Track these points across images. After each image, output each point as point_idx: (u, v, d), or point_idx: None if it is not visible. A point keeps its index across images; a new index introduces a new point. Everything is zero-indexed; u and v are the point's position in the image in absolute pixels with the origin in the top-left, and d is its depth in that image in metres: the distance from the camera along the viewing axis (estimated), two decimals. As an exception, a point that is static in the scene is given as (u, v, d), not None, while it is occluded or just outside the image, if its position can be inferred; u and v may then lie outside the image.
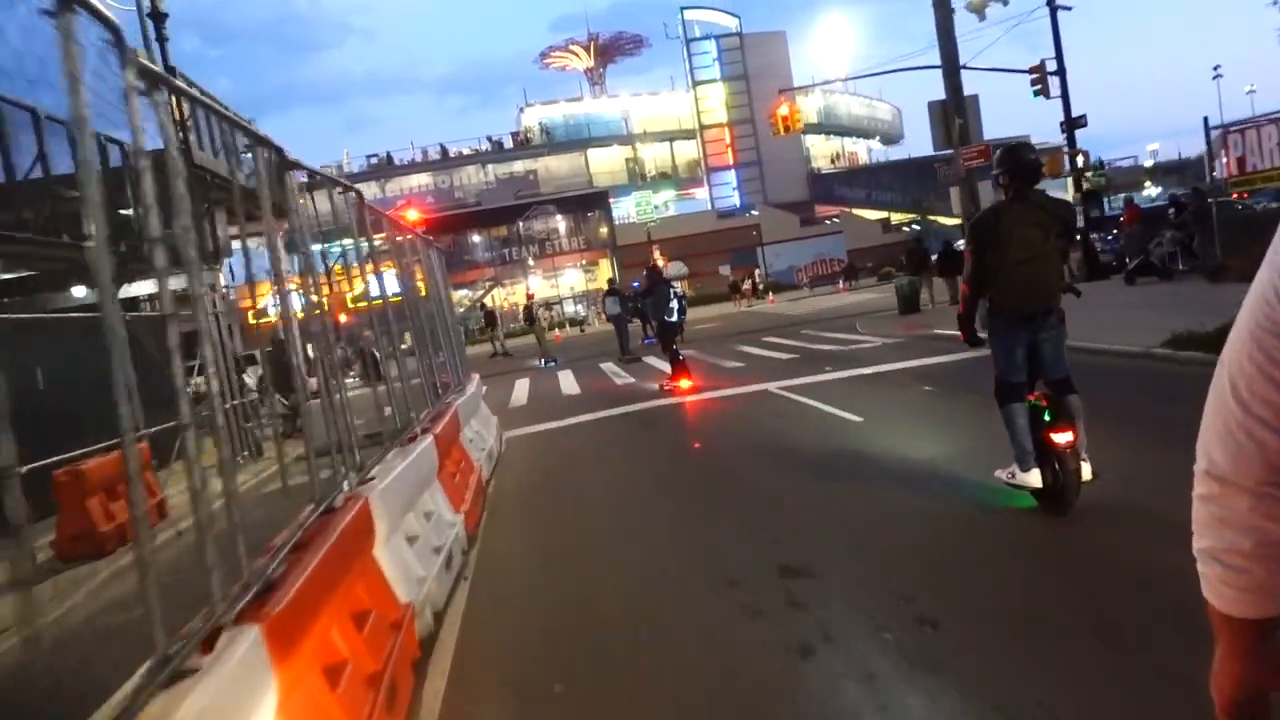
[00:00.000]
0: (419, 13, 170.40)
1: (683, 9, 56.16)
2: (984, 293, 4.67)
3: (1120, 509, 4.47)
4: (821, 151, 65.80)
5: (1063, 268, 4.91)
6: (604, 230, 49.06)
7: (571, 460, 8.61)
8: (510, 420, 11.44)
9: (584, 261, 51.06)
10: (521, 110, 58.97)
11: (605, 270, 50.55)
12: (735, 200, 56.84)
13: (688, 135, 58.78)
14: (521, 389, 15.32)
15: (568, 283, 51.41)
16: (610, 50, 68.77)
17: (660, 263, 40.36)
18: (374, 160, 54.56)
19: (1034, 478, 4.55)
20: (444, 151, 56.39)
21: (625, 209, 56.62)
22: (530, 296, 32.31)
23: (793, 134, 18.72)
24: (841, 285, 36.09)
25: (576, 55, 67.86)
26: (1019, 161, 4.58)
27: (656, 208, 40.18)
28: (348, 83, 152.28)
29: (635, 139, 58.22)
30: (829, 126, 65.89)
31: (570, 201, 49.70)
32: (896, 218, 57.08)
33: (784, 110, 19.11)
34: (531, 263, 49.53)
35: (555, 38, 67.83)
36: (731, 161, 57.03)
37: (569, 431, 10.33)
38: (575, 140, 57.54)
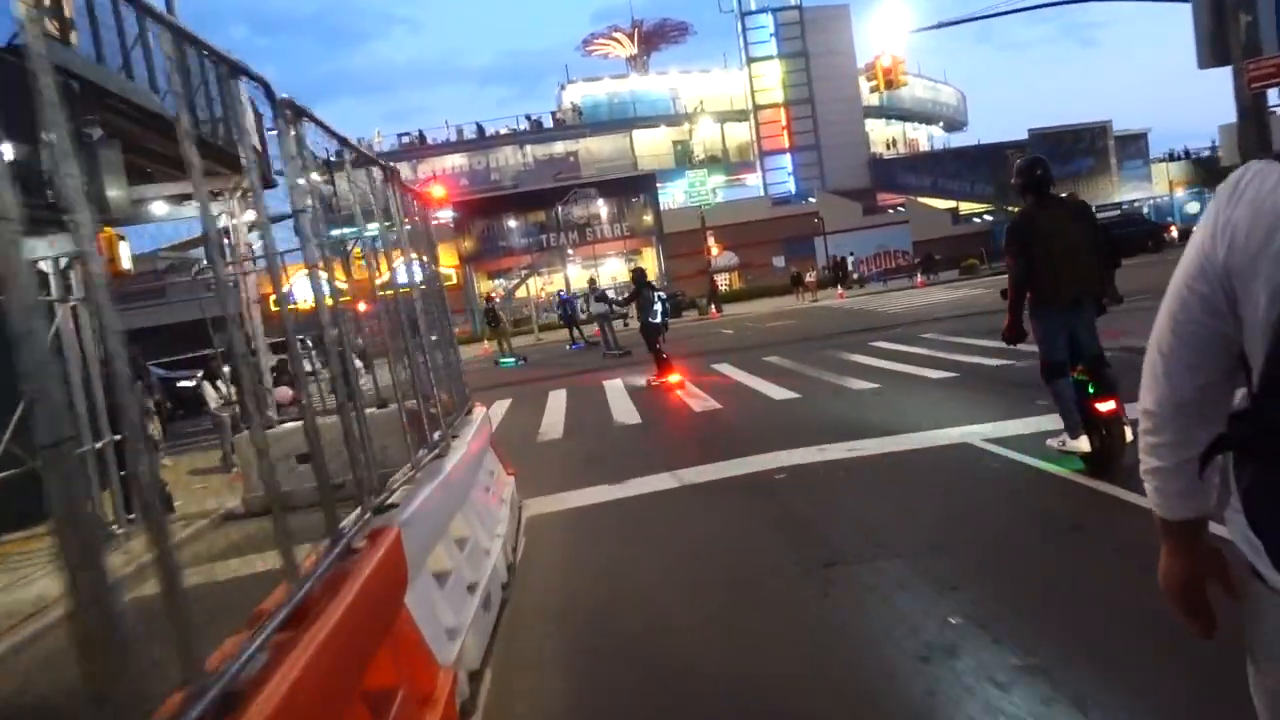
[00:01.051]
0: (462, 3, 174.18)
1: (738, -22, 53.42)
2: (1029, 290, 5.40)
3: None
4: (880, 137, 62.76)
5: (1096, 260, 5.35)
6: (649, 217, 46.34)
7: (662, 618, 4.20)
8: (535, 471, 7.82)
9: (627, 250, 48.45)
10: (562, 88, 56.68)
11: (649, 260, 47.98)
12: (790, 186, 54.00)
13: (740, 116, 56.06)
14: (556, 408, 12.02)
15: (609, 272, 48.79)
16: (654, 38, 66.56)
17: (715, 251, 37.82)
18: (406, 140, 52.48)
19: (1083, 443, 5.35)
20: (480, 131, 54.24)
21: (672, 194, 53.97)
22: (490, 297, 30.48)
23: (895, 89, 15.71)
24: (919, 279, 33.01)
25: (619, 43, 66.10)
26: (1033, 176, 5.45)
27: (704, 195, 37.38)
28: (391, 72, 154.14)
29: (684, 119, 55.48)
30: (890, 110, 62.70)
31: (613, 185, 47.21)
32: (965, 207, 53.87)
33: (886, 61, 16.26)
34: (571, 251, 46.97)
35: (598, 27, 66.09)
36: (787, 145, 54.20)
37: (639, 515, 6.20)
38: (619, 120, 55.11)
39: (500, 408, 12.79)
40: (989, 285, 26.98)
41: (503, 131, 54.67)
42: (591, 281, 27.30)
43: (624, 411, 10.85)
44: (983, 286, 26.74)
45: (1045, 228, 5.26)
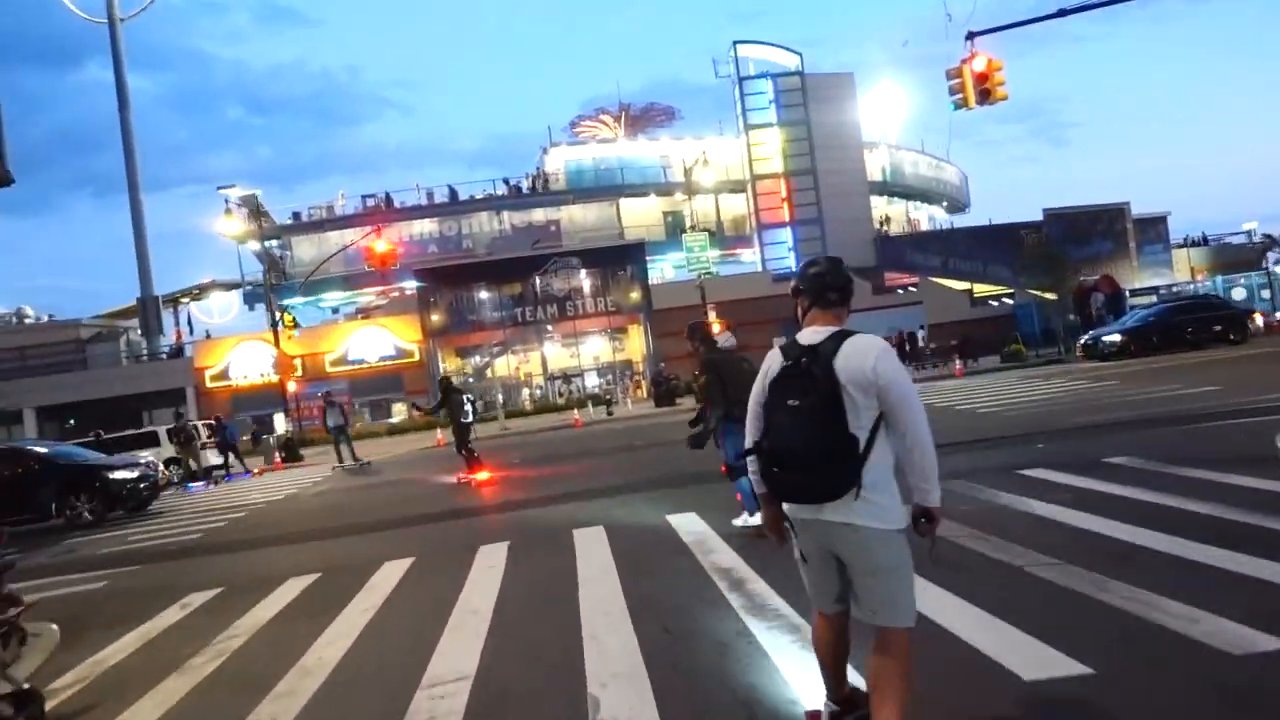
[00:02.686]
0: (455, 90, 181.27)
1: (736, 43, 50.82)
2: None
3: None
4: (880, 215, 59.47)
5: None
6: (636, 292, 42.26)
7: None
8: None
9: (611, 327, 44.36)
10: (545, 151, 53.30)
11: (636, 339, 43.65)
12: (790, 262, 50.23)
13: (736, 188, 52.78)
14: (471, 615, 5.79)
15: (590, 351, 44.61)
16: (641, 121, 65.04)
17: (716, 328, 33.43)
18: (370, 201, 48.37)
19: (757, 519, 6.56)
20: (452, 195, 50.38)
21: (662, 268, 50.12)
22: (179, 413, 27.55)
23: (992, 101, 11.34)
24: (958, 366, 28.70)
25: (606, 125, 64.41)
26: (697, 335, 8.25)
27: (705, 262, 33.25)
28: (380, 154, 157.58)
29: (675, 188, 51.96)
30: (893, 187, 59.95)
31: (598, 255, 43.47)
32: (979, 289, 50.35)
33: (979, 64, 12.10)
34: (550, 328, 42.72)
35: (585, 111, 65.60)
36: (788, 217, 50.80)
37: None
38: (606, 187, 51.66)
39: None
40: (1057, 375, 22.62)
41: (478, 196, 50.85)
42: (327, 394, 26.73)
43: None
44: (1056, 377, 22.42)
45: (738, 364, 7.48)
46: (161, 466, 21.20)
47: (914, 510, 3.07)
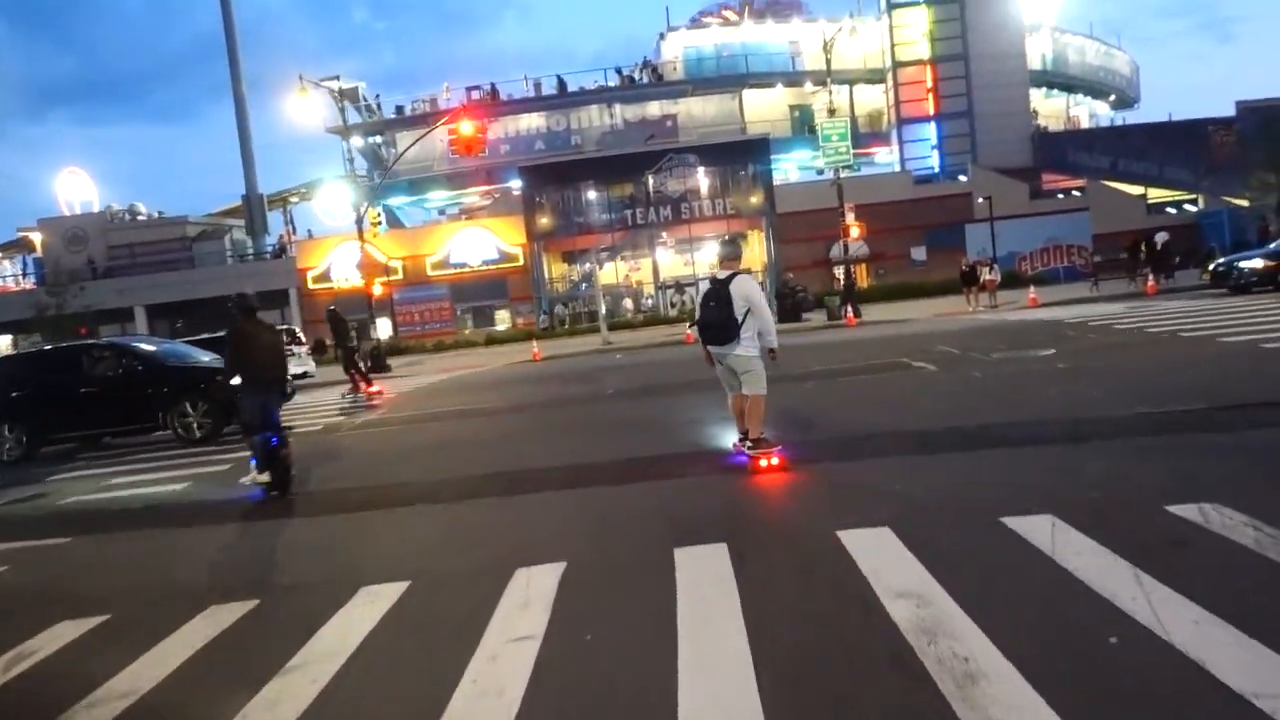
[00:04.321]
0: None
1: (880, -92, 44.68)
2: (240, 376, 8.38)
3: None
4: (1040, 110, 52.85)
5: (281, 359, 8.97)
6: (756, 196, 38.43)
7: None
8: None
9: (730, 232, 40.55)
10: (662, 37, 49.07)
11: (756, 245, 40.11)
12: (933, 162, 45.15)
13: (872, 78, 47.42)
14: None
15: (706, 259, 41.12)
16: (764, 14, 58.56)
17: (855, 232, 29.45)
18: (476, 94, 45.60)
19: (266, 475, 8.29)
20: (561, 86, 47.01)
21: (786, 170, 45.97)
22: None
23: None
24: (1150, 283, 24.08)
25: (728, 20, 58.75)
26: (245, 306, 8.63)
27: (843, 155, 28.91)
28: (500, 59, 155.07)
29: (805, 77, 47.18)
30: (1054, 77, 52.93)
31: (717, 151, 39.54)
32: (1154, 194, 44.20)
33: None
34: (662, 233, 39.47)
35: (708, 4, 59.72)
36: (932, 110, 45.49)
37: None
38: (728, 77, 47.35)
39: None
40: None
41: (589, 88, 47.39)
42: (333, 310, 21.90)
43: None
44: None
45: (252, 336, 8.54)
46: (300, 370, 19.93)
47: (767, 349, 7.42)
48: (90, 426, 14.34)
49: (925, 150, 45.80)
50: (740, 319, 7.08)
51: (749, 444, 7.33)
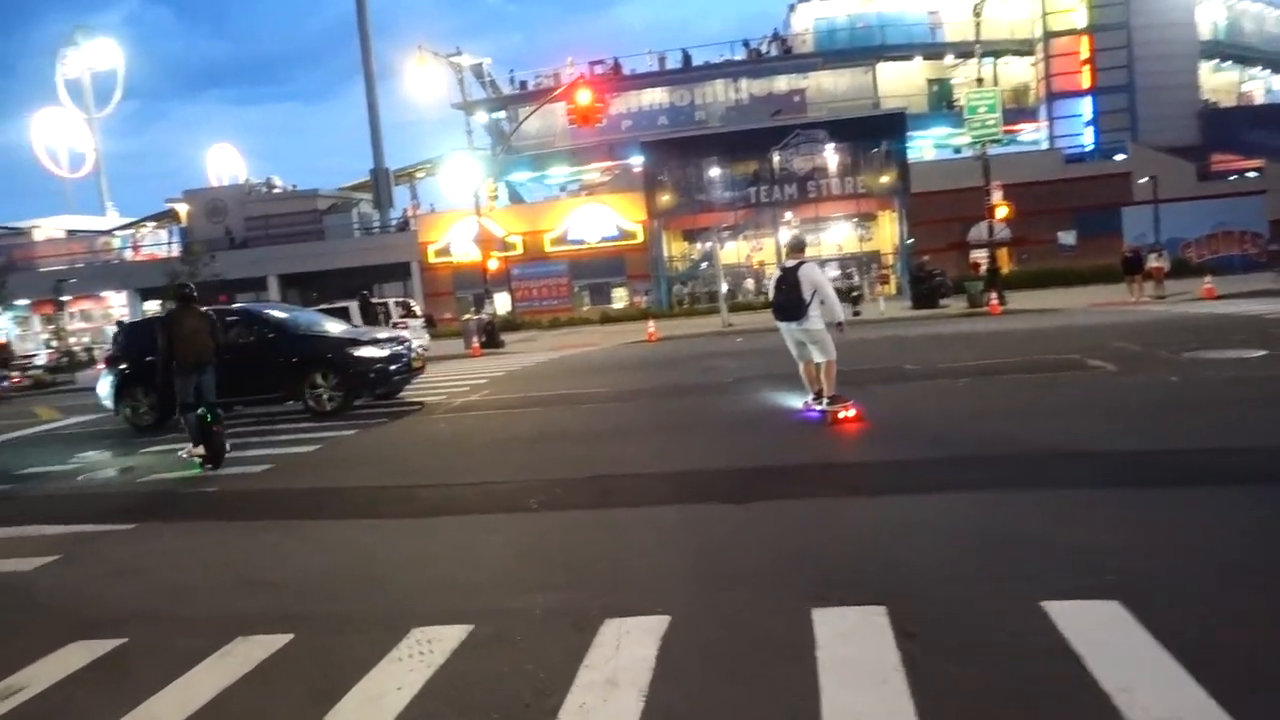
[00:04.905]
0: None
1: None
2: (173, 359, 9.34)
3: None
4: (1207, 85, 47.99)
5: (211, 342, 9.66)
6: (887, 176, 36.10)
7: None
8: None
9: (859, 212, 38.68)
10: (792, 8, 46.94)
11: (886, 226, 37.87)
12: (1086, 139, 41.52)
13: (1020, 49, 43.97)
14: None
15: (832, 239, 39.24)
16: None
17: (1002, 212, 26.91)
18: (598, 68, 44.70)
19: (201, 449, 9.25)
20: (686, 60, 45.56)
21: (921, 149, 43.21)
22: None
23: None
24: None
25: None
26: (181, 294, 9.92)
27: (992, 127, 26.40)
28: (628, 35, 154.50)
29: (945, 49, 44.25)
30: (1228, 48, 47.88)
31: (848, 128, 37.45)
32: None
33: None
34: (787, 212, 37.66)
35: None
36: (1087, 84, 41.88)
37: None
38: (861, 49, 44.80)
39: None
40: None
41: (714, 61, 45.76)
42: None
43: None
44: None
45: (182, 321, 9.47)
46: (418, 345, 17.64)
47: (835, 324, 8.66)
48: (221, 394, 13.86)
49: (1077, 127, 42.19)
50: (808, 299, 8.50)
51: (825, 401, 8.69)
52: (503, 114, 48.51)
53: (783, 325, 8.78)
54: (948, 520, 5.24)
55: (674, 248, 39.74)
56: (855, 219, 39.12)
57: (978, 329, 18.89)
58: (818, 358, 8.61)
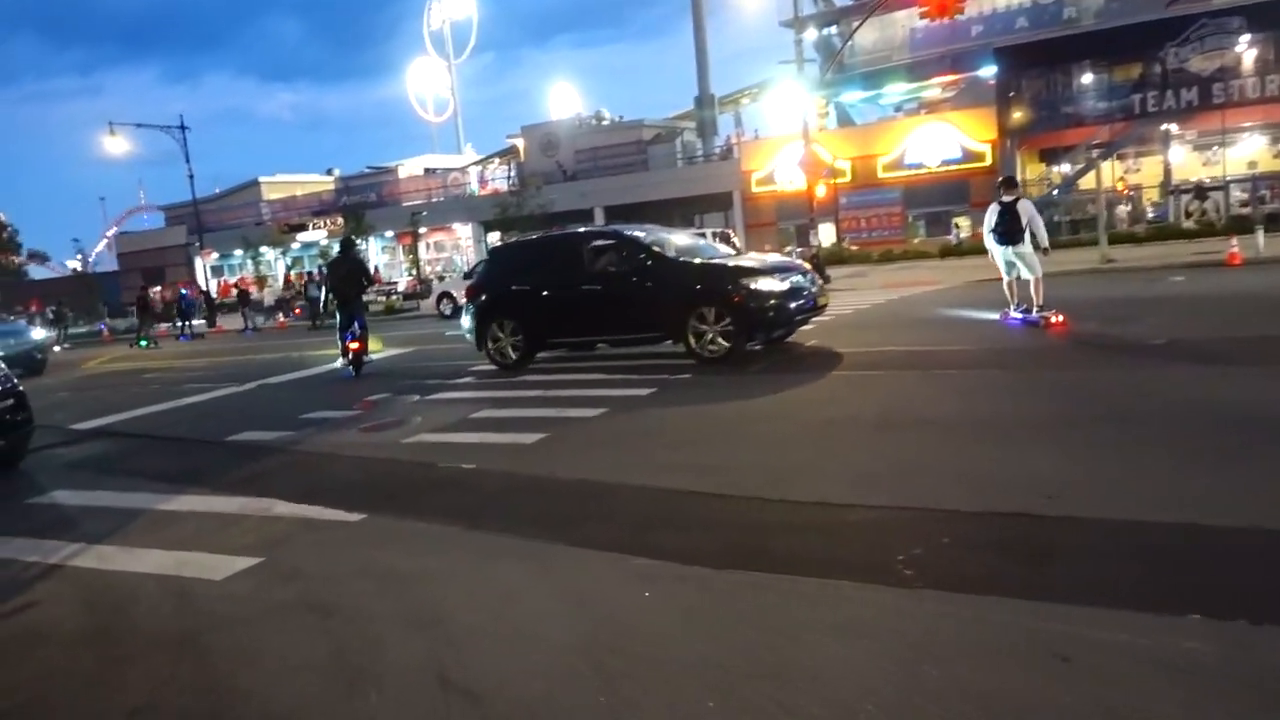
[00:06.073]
0: None
1: None
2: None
3: None
4: None
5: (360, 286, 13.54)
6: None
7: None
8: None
9: (1277, 122, 30.90)
10: None
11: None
12: None
13: None
14: None
15: (1241, 155, 31.81)
16: None
17: None
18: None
19: (340, 362, 13.36)
20: (1054, -52, 38.73)
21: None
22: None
23: None
24: None
25: None
26: (343, 244, 14.52)
27: None
28: None
29: None
30: None
31: (1272, 11, 29.38)
32: None
33: None
34: (1176, 125, 31.00)
35: None
36: None
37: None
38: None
39: None
40: None
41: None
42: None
43: None
44: None
45: (336, 266, 13.80)
46: (802, 279, 13.16)
47: (1041, 247, 11.68)
48: (591, 332, 12.25)
49: None
50: (1024, 228, 11.50)
51: (1037, 309, 11.55)
52: (834, 29, 44.75)
53: (999, 248, 11.87)
54: None
55: (1030, 169, 34.37)
56: (1273, 129, 31.28)
57: None
58: (1025, 274, 11.77)
